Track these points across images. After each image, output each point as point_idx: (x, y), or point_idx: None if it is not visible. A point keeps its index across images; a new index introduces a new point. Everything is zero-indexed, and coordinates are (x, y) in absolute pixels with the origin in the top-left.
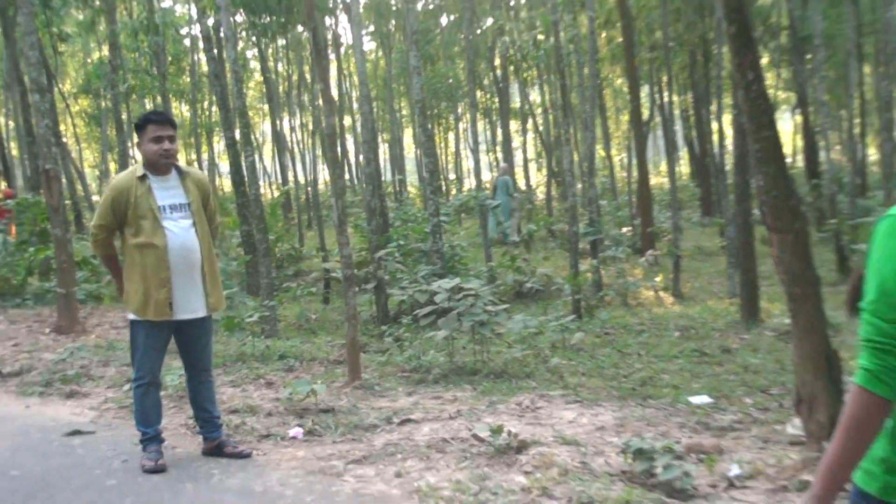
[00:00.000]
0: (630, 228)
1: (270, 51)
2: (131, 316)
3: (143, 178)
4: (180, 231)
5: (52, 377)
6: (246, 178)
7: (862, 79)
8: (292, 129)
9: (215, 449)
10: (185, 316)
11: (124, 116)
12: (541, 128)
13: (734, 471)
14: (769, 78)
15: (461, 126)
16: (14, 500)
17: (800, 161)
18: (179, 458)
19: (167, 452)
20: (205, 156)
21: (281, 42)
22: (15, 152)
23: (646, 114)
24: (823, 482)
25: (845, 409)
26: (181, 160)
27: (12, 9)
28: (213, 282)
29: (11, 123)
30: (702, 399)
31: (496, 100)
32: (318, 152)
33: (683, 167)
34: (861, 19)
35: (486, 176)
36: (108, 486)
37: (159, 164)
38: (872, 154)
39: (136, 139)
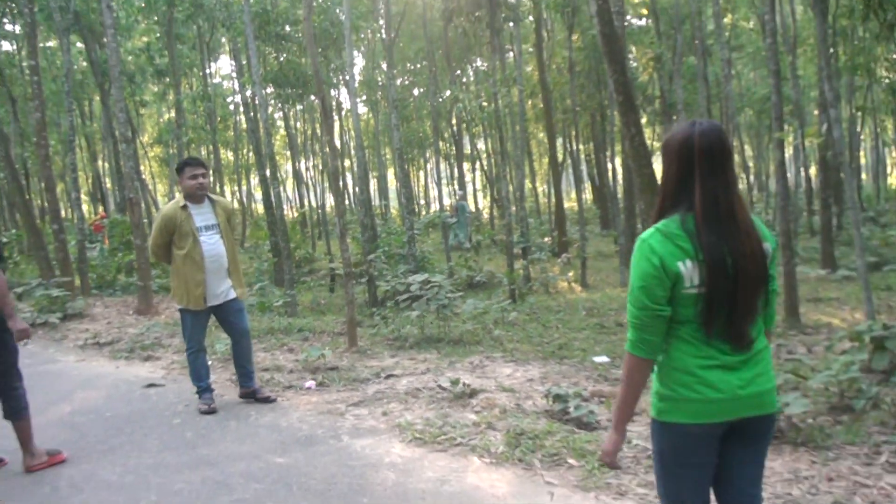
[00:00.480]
0: (550, 238)
1: (291, 113)
2: (178, 306)
3: (184, 207)
4: (212, 244)
5: (134, 345)
6: (274, 203)
7: None
8: (307, 168)
9: (248, 394)
10: (215, 302)
11: None
12: (485, 167)
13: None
14: (647, 133)
15: (428, 166)
16: (109, 433)
17: None
18: (226, 404)
19: (217, 399)
20: (244, 188)
21: (299, 107)
22: (108, 185)
23: (560, 157)
24: (616, 415)
25: (622, 366)
26: (227, 192)
27: (107, 83)
28: (236, 277)
29: (106, 165)
30: (602, 359)
31: (453, 147)
32: (326, 185)
33: (587, 194)
34: (710, 91)
35: (447, 201)
36: (175, 424)
37: (196, 195)
38: None
39: (178, 178)
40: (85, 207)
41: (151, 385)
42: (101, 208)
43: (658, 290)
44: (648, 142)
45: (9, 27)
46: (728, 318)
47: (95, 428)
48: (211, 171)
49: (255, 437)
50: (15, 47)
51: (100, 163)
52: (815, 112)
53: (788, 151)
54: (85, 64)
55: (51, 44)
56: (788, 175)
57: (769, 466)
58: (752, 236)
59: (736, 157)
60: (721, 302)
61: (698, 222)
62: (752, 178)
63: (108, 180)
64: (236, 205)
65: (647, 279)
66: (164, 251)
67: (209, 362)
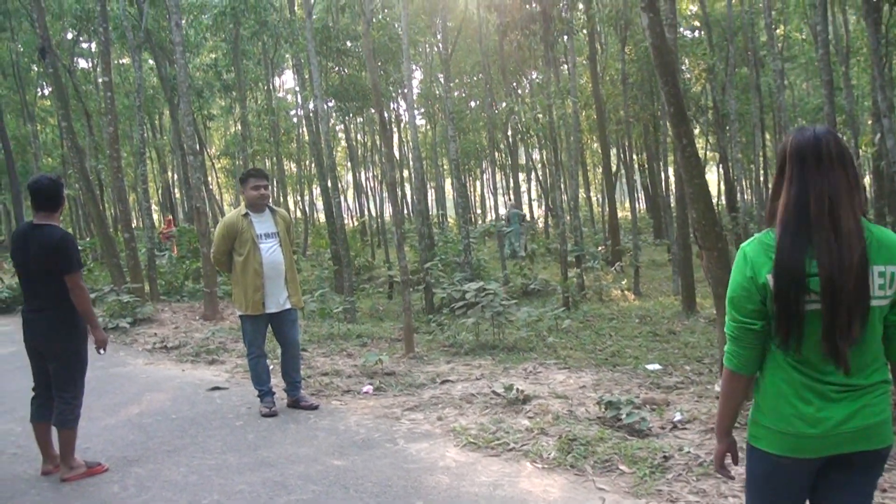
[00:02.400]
0: (603, 247)
1: (352, 125)
2: (239, 312)
3: (246, 215)
4: (271, 252)
5: (199, 350)
6: (334, 213)
7: (764, 143)
8: (367, 178)
9: (294, 403)
10: (273, 310)
11: None
12: (540, 177)
13: (677, 416)
14: (700, 143)
15: (485, 176)
16: (175, 434)
17: (723, 201)
18: (286, 408)
19: (277, 403)
20: (306, 198)
21: (359, 119)
22: (177, 195)
23: (614, 167)
24: (718, 432)
25: (721, 380)
26: (290, 202)
27: (176, 98)
28: (293, 287)
29: (175, 176)
30: (654, 366)
31: (509, 158)
32: (385, 195)
33: (640, 204)
34: (762, 102)
35: (502, 210)
36: (237, 426)
37: (257, 205)
38: None
39: (241, 188)
40: (155, 217)
41: (216, 388)
42: (168, 217)
43: (747, 303)
44: (700, 152)
45: (85, 45)
46: (822, 337)
47: (161, 429)
48: (274, 182)
49: (314, 439)
50: (90, 64)
51: (169, 174)
52: (869, 122)
53: None
54: (155, 80)
55: (124, 61)
56: None
57: None
58: (852, 248)
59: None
60: (792, 318)
61: (778, 229)
62: None
63: (176, 191)
64: (298, 214)
65: (736, 290)
66: (226, 258)
67: (270, 367)
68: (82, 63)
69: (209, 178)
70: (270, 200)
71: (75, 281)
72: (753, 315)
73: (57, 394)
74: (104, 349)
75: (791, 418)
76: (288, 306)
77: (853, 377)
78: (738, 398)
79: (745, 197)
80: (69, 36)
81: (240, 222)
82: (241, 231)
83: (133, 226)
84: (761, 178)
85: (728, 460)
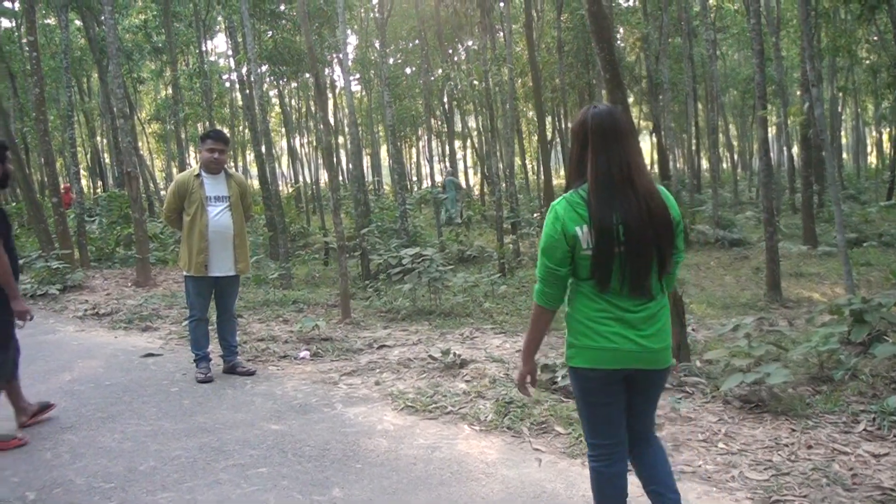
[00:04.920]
0: (539, 214)
1: (286, 90)
2: (184, 272)
3: (198, 175)
4: (218, 215)
5: (132, 316)
6: (269, 179)
7: (697, 112)
8: (302, 145)
9: (230, 369)
10: (217, 273)
11: (182, 135)
12: (476, 144)
13: None
14: (634, 112)
15: (420, 143)
16: (108, 401)
17: (656, 169)
18: (222, 373)
19: (213, 369)
20: (239, 164)
21: (293, 84)
22: (107, 160)
23: (549, 135)
24: (524, 352)
25: (531, 313)
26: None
27: (105, 59)
28: (241, 252)
29: (105, 140)
30: None
31: (445, 125)
32: (320, 161)
33: None
34: (695, 72)
35: (438, 178)
36: (172, 392)
37: (210, 168)
38: (704, 163)
39: (194, 148)
40: (84, 182)
41: (149, 355)
42: (66, 184)
43: (557, 252)
44: (634, 121)
45: (8, 4)
46: (624, 276)
47: (95, 396)
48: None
49: (251, 405)
50: (14, 24)
51: (98, 138)
52: (798, 92)
53: (771, 131)
54: (83, 41)
55: (49, 21)
56: (771, 154)
57: (751, 434)
58: (653, 202)
59: (720, 137)
60: (608, 262)
61: (589, 192)
62: (735, 156)
63: (106, 155)
64: None
65: (548, 241)
66: (177, 216)
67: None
68: (5, 22)
69: (140, 143)
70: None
71: None
72: (561, 262)
73: None
74: (23, 320)
75: (594, 336)
76: (233, 273)
77: (647, 305)
78: (544, 329)
79: (678, 165)
80: None
81: (191, 182)
82: (191, 191)
83: (60, 190)
84: (693, 147)
85: (528, 381)
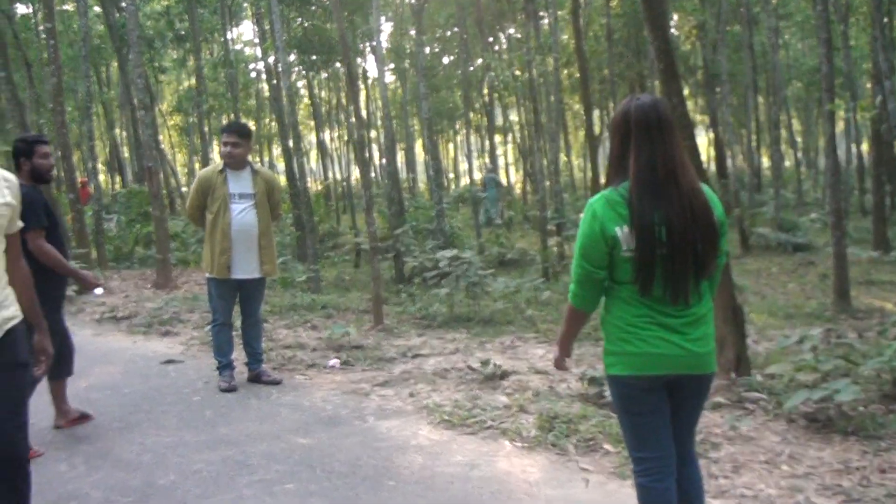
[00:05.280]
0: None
1: (316, 81)
2: (206, 274)
3: (222, 171)
4: (242, 213)
5: (152, 320)
6: (297, 175)
7: (757, 106)
8: (332, 139)
9: (255, 377)
10: (241, 276)
11: (206, 129)
12: (518, 140)
13: None
14: (689, 105)
15: (458, 138)
16: (126, 410)
17: (712, 167)
18: (246, 382)
19: (237, 377)
20: (266, 158)
21: (324, 74)
22: (126, 154)
23: (597, 130)
24: (560, 346)
25: (565, 312)
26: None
27: (125, 48)
28: (268, 253)
29: (124, 133)
30: None
31: (485, 119)
32: (351, 156)
33: None
34: (756, 62)
35: (477, 175)
36: (194, 401)
37: (229, 162)
38: (765, 161)
39: (218, 142)
40: (101, 177)
41: (170, 361)
42: (83, 178)
43: (595, 253)
44: (690, 115)
45: None
46: (665, 279)
47: (112, 405)
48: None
49: (277, 416)
50: (31, 10)
51: (117, 131)
52: (868, 85)
53: (839, 126)
54: (102, 28)
55: (67, 7)
56: (839, 151)
57: (818, 456)
58: (697, 201)
59: (783, 132)
60: (651, 265)
61: (631, 189)
62: (799, 154)
63: (125, 149)
64: None
65: (586, 241)
66: (200, 214)
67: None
68: (22, 8)
69: (161, 136)
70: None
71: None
72: (599, 264)
73: None
74: (100, 285)
75: (635, 340)
76: (258, 275)
77: (690, 309)
78: (578, 329)
79: (736, 163)
80: None
81: (214, 178)
82: (214, 187)
83: (78, 186)
84: (753, 143)
85: (565, 361)
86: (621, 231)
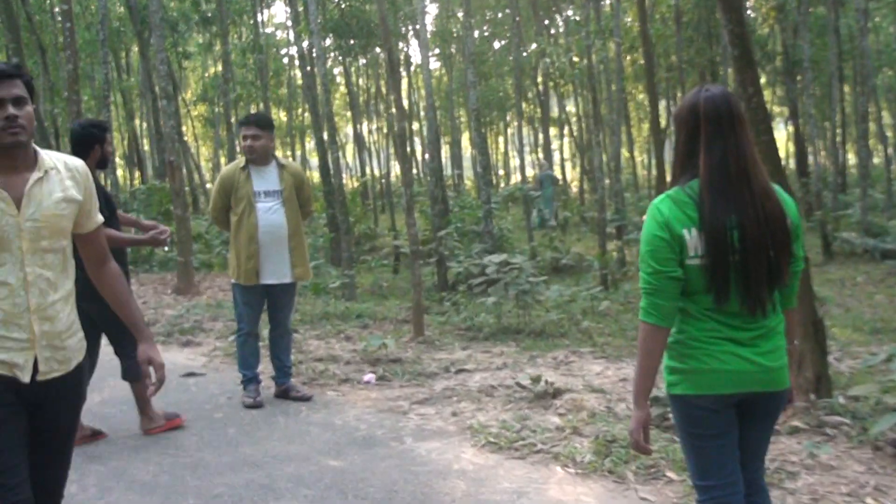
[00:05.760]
0: None
1: (353, 68)
2: (231, 279)
3: (244, 168)
4: (269, 213)
5: (172, 329)
6: (331, 171)
7: (843, 96)
8: (370, 131)
9: (283, 392)
10: (270, 281)
11: (233, 119)
12: (575, 133)
13: None
14: (766, 95)
15: (509, 131)
16: None
17: (792, 164)
18: (273, 398)
19: (263, 392)
20: (298, 152)
21: (362, 61)
22: (146, 147)
23: (663, 123)
24: (635, 390)
25: (638, 338)
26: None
27: (147, 31)
28: (299, 255)
29: (144, 124)
30: None
31: (538, 109)
32: (391, 151)
33: None
34: (842, 47)
35: (529, 172)
36: (216, 418)
37: (249, 158)
38: (851, 158)
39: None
40: (119, 172)
41: (191, 374)
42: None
43: (666, 252)
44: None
45: None
46: (739, 288)
47: (127, 421)
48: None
49: (306, 436)
50: None
51: (137, 122)
52: None
53: None
54: (122, 10)
55: None
56: None
57: None
58: (770, 201)
59: (872, 126)
60: (726, 272)
61: (702, 188)
62: (890, 149)
63: (145, 142)
64: None
65: (654, 241)
66: (224, 216)
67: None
68: None
69: (184, 128)
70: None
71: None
72: (672, 263)
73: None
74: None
75: (705, 358)
76: (289, 279)
77: (764, 321)
78: (659, 355)
79: (818, 160)
80: None
81: (237, 176)
82: (237, 186)
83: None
84: (837, 138)
85: (643, 432)
86: (689, 234)
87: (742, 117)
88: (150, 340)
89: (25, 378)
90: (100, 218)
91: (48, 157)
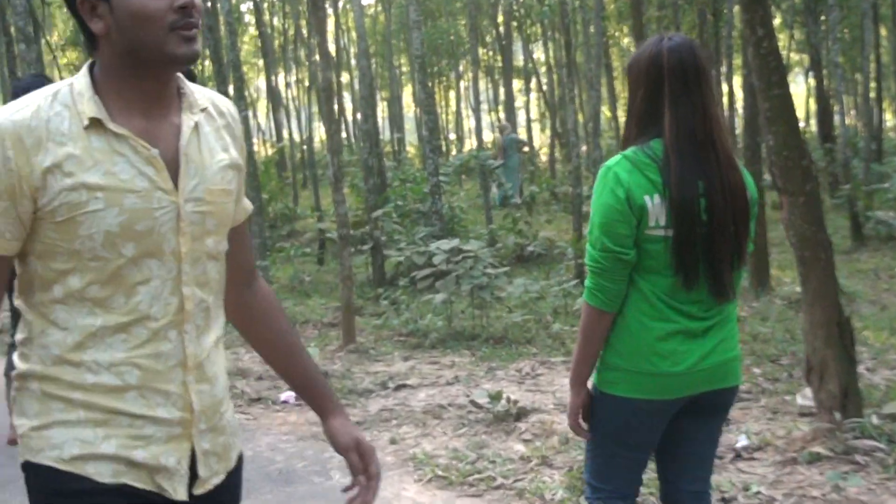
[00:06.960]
0: None
1: (266, 3)
2: None
3: None
4: None
5: None
6: None
7: (878, 41)
8: (287, 84)
9: None
10: None
11: None
12: (545, 87)
13: (742, 442)
14: (781, 39)
15: (462, 84)
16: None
17: (813, 125)
18: None
19: None
20: None
21: None
22: (1, 101)
23: None
24: (572, 374)
25: (580, 319)
26: None
27: None
28: None
29: None
30: None
31: (499, 58)
32: (315, 109)
33: None
34: None
35: (487, 136)
36: None
37: None
38: (889, 119)
39: None
40: None
41: None
42: None
43: (621, 228)
44: (783, 52)
45: None
46: (705, 268)
47: None
48: None
49: None
50: None
51: None
52: None
53: None
54: None
55: None
56: None
57: None
58: (733, 170)
59: None
60: (693, 248)
61: (668, 151)
62: None
63: (0, 95)
64: None
65: (609, 214)
66: None
67: None
68: None
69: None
70: None
71: None
72: (626, 242)
73: None
74: None
75: (653, 357)
76: None
77: (720, 308)
78: (601, 340)
79: (846, 121)
80: None
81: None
82: None
83: None
84: (871, 94)
85: (581, 416)
86: (651, 202)
87: (707, 72)
88: (345, 414)
89: (181, 494)
90: (248, 206)
91: (191, 87)
